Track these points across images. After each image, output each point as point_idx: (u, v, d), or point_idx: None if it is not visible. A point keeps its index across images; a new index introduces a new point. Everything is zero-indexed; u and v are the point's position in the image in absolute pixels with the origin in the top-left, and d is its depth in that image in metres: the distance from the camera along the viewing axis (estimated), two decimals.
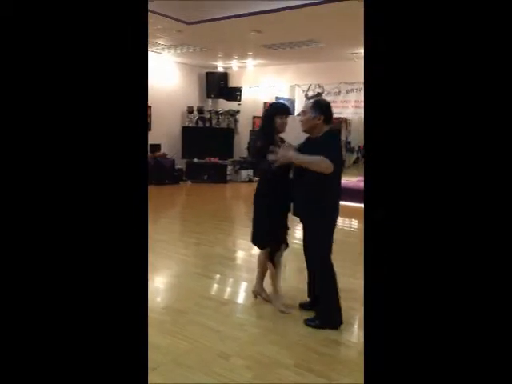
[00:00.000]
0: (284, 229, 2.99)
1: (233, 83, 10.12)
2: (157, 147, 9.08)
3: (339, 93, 8.57)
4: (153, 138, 8.62)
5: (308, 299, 2.99)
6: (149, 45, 7.67)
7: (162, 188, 8.60)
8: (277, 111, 2.92)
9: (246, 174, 9.80)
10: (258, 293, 3.16)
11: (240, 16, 5.72)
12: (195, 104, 10.02)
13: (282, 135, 2.96)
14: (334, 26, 5.98)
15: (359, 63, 7.81)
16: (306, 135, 2.81)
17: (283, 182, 2.82)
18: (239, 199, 8.13)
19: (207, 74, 10.05)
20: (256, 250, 3.14)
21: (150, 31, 6.36)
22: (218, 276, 3.74)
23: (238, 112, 10.11)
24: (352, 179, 8.50)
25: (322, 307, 2.79)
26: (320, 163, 2.50)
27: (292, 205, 2.83)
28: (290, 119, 2.96)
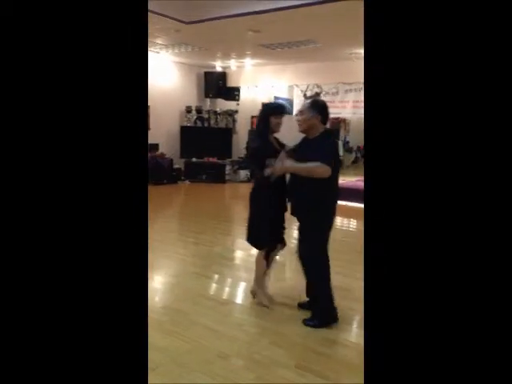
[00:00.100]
0: (280, 229, 2.99)
1: (231, 83, 10.11)
2: (155, 147, 9.06)
3: (337, 93, 8.57)
4: (151, 137, 8.58)
5: (307, 299, 2.99)
6: None
7: (161, 188, 8.58)
8: (272, 111, 2.91)
9: (244, 173, 9.80)
10: (256, 293, 3.16)
11: (238, 15, 5.71)
12: (193, 104, 10.01)
13: (277, 135, 2.96)
14: (332, 25, 5.98)
15: (358, 63, 7.82)
16: (301, 135, 2.82)
17: (279, 182, 2.82)
18: (238, 199, 8.12)
19: (205, 73, 10.03)
20: (255, 250, 3.14)
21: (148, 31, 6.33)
22: (216, 276, 3.73)
23: (236, 112, 10.10)
24: (351, 179, 8.52)
25: (318, 306, 2.80)
26: (317, 169, 2.53)
27: (290, 205, 2.84)
28: (285, 119, 2.96)
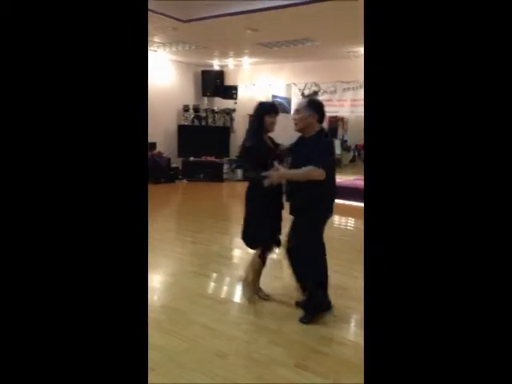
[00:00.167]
0: (276, 230, 2.98)
1: (229, 81, 10.09)
2: (152, 146, 9.04)
3: (335, 91, 8.57)
4: (148, 136, 8.56)
5: (304, 297, 3.00)
6: None
7: (158, 187, 8.57)
8: (266, 110, 2.89)
9: (242, 172, 9.79)
10: (243, 284, 3.16)
11: (236, 14, 5.71)
12: (191, 102, 9.99)
13: (272, 134, 2.95)
14: (330, 24, 5.97)
15: (356, 62, 7.82)
16: (297, 134, 2.82)
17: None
18: (235, 198, 8.11)
19: (203, 72, 10.01)
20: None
21: None
22: (214, 275, 3.73)
23: (234, 110, 10.08)
24: (349, 178, 8.53)
25: (309, 301, 2.83)
26: (311, 173, 2.54)
27: (289, 205, 2.84)
28: (280, 118, 2.96)
